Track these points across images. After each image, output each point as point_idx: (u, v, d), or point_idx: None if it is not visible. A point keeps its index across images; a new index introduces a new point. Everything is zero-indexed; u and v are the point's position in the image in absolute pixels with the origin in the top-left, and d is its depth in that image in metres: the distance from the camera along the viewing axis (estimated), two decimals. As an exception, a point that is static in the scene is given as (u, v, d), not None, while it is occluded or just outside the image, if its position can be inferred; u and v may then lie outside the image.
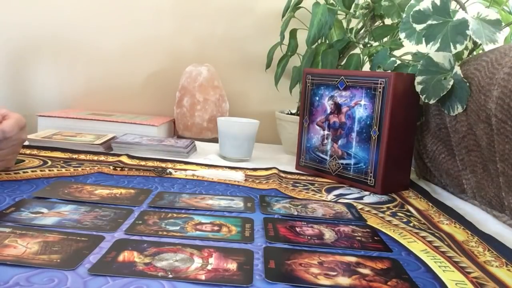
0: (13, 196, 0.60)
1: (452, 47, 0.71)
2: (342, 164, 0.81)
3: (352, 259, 0.48)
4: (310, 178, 0.85)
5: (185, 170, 0.82)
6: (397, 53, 0.91)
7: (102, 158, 0.86)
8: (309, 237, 0.53)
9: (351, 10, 0.98)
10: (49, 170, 0.74)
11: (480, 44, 0.78)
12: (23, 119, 0.66)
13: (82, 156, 0.86)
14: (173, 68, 1.22)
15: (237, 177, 0.79)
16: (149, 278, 0.40)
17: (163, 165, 0.84)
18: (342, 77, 0.81)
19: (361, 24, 1.00)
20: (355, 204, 0.69)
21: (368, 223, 0.61)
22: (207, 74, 1.12)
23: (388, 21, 0.95)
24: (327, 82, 0.83)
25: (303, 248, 0.50)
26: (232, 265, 0.44)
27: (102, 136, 0.97)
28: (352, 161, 0.80)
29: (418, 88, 0.75)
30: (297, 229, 0.56)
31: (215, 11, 1.22)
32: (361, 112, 0.78)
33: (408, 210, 0.68)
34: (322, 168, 0.85)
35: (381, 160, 0.75)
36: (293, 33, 1.10)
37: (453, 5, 0.77)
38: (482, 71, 0.67)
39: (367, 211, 0.67)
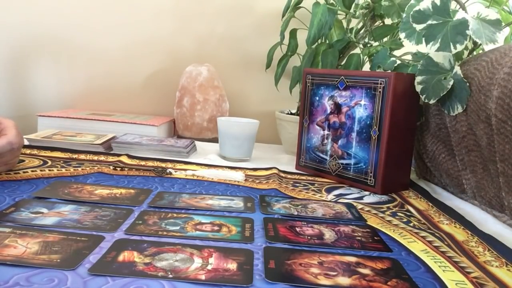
0: (13, 196, 0.60)
1: (452, 47, 0.71)
2: (342, 164, 0.81)
3: (352, 259, 0.48)
4: (310, 178, 0.85)
5: (185, 170, 0.82)
6: (397, 53, 0.91)
7: (102, 158, 0.86)
8: (309, 237, 0.53)
9: (351, 10, 0.98)
10: (49, 170, 0.74)
11: (480, 44, 0.78)
12: (16, 124, 0.67)
13: (82, 156, 0.86)
14: (173, 68, 1.22)
15: (237, 177, 0.79)
16: (149, 278, 0.40)
17: (163, 165, 0.84)
18: (342, 77, 0.81)
19: (361, 24, 1.00)
20: (355, 204, 0.69)
21: (368, 223, 0.61)
22: (207, 74, 1.12)
23: (388, 21, 0.95)
24: (327, 82, 0.83)
25: (303, 248, 0.50)
26: (232, 265, 0.44)
27: (102, 136, 0.97)
28: (352, 161, 0.80)
29: (418, 88, 0.75)
30: (297, 229, 0.56)
31: (215, 11, 1.22)
32: (361, 112, 0.78)
33: (408, 210, 0.68)
34: (322, 168, 0.85)
35: (381, 160, 0.75)
36: (293, 33, 1.10)
37: (453, 5, 0.77)
38: (482, 71, 0.67)
39: (367, 211, 0.67)
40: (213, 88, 1.12)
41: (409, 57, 0.88)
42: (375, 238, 0.55)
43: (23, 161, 0.78)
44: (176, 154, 0.92)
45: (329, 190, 0.77)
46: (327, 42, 1.01)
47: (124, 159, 0.86)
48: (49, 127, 1.04)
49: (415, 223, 0.62)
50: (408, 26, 0.78)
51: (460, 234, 0.58)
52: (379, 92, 0.75)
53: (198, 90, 1.10)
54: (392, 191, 0.78)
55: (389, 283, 0.43)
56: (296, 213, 0.62)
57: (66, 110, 1.18)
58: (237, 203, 0.65)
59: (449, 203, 0.73)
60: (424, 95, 0.75)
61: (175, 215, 0.57)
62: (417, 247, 0.53)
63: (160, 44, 1.23)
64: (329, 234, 0.55)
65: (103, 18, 1.22)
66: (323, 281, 0.42)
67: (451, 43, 0.71)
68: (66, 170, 0.75)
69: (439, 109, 0.77)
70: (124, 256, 0.44)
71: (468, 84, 0.69)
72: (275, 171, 0.86)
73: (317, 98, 0.86)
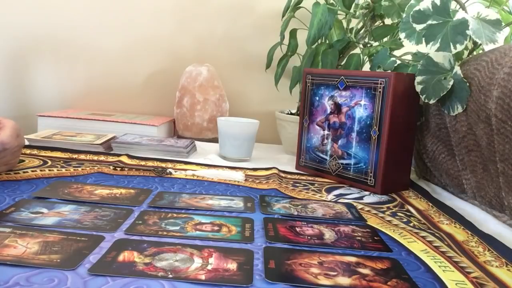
0: (13, 196, 0.60)
1: (452, 47, 0.71)
2: (342, 164, 0.81)
3: (352, 259, 0.48)
4: (310, 178, 0.85)
5: (185, 170, 0.82)
6: (397, 53, 0.91)
7: (102, 158, 0.86)
8: (309, 237, 0.53)
9: (351, 10, 0.98)
10: (49, 170, 0.74)
11: (480, 44, 0.78)
12: (17, 125, 0.67)
13: (82, 156, 0.86)
14: (173, 68, 1.22)
15: (237, 177, 0.79)
16: (149, 278, 0.40)
17: (163, 165, 0.84)
18: (342, 77, 0.81)
19: (361, 24, 1.00)
20: (355, 204, 0.69)
21: (368, 223, 0.61)
22: (207, 74, 1.12)
23: (388, 21, 0.95)
24: (327, 82, 0.83)
25: (303, 248, 0.50)
26: (232, 265, 0.44)
27: (102, 136, 0.97)
28: (352, 161, 0.80)
29: (418, 88, 0.75)
30: (297, 229, 0.56)
31: (215, 11, 1.22)
32: (361, 112, 0.78)
33: (408, 210, 0.68)
34: (322, 168, 0.85)
35: (381, 160, 0.75)
36: (293, 33, 1.10)
37: (453, 5, 0.77)
38: (482, 71, 0.67)
39: (367, 211, 0.67)
40: (213, 88, 1.12)
41: (409, 57, 0.88)
42: (375, 238, 0.55)
43: (23, 161, 0.78)
44: (176, 154, 0.92)
45: (329, 190, 0.77)
46: (327, 42, 1.01)
47: (124, 159, 0.86)
48: (49, 127, 1.04)
49: (415, 223, 0.62)
50: (408, 26, 0.78)
51: (460, 234, 0.58)
52: (379, 92, 0.75)
53: (198, 90, 1.10)
54: (392, 191, 0.78)
55: (389, 283, 0.43)
56: (296, 213, 0.62)
57: (66, 110, 1.18)
58: (237, 203, 0.65)
59: (449, 203, 0.73)
60: (424, 95, 0.75)
61: (175, 215, 0.57)
62: (417, 247, 0.53)
63: (160, 44, 1.23)
64: (329, 234, 0.55)
65: (103, 18, 1.22)
66: (323, 281, 0.42)
67: (451, 43, 0.71)
68: (66, 170, 0.75)
69: (439, 109, 0.77)
70: (124, 256, 0.44)
71: (468, 84, 0.69)
72: (275, 171, 0.86)
73: (317, 98, 0.86)
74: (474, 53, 0.80)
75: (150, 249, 0.46)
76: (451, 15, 0.72)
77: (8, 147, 0.64)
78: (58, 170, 0.75)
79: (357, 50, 0.99)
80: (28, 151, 0.86)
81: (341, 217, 0.62)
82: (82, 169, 0.76)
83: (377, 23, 0.99)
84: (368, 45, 0.97)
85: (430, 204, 0.72)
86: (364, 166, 0.78)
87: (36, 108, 1.19)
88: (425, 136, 0.83)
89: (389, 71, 0.83)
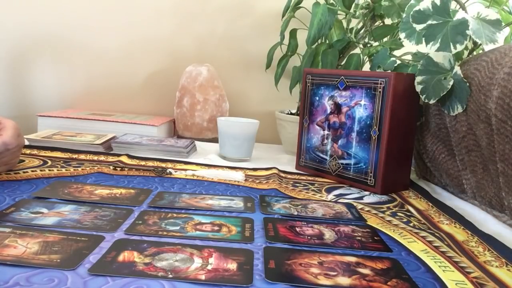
0: (13, 196, 0.60)
1: (452, 47, 0.71)
2: (342, 164, 0.81)
3: (352, 259, 0.48)
4: (310, 178, 0.85)
5: (185, 170, 0.82)
6: (397, 53, 0.91)
7: (102, 158, 0.86)
8: (309, 237, 0.53)
9: (351, 10, 0.98)
10: (49, 170, 0.74)
11: (480, 44, 0.78)
12: (17, 125, 0.67)
13: (82, 156, 0.86)
14: (173, 68, 1.22)
15: (237, 177, 0.79)
16: (149, 278, 0.40)
17: (163, 165, 0.84)
18: (342, 77, 0.81)
19: (361, 24, 1.00)
20: (355, 204, 0.69)
21: (368, 223, 0.61)
22: (207, 74, 1.12)
23: (388, 21, 0.95)
24: (327, 82, 0.83)
25: (303, 248, 0.50)
26: (232, 265, 0.44)
27: (102, 136, 0.97)
28: (352, 161, 0.80)
29: (418, 88, 0.75)
30: (297, 229, 0.56)
31: (215, 11, 1.22)
32: (361, 112, 0.78)
33: (408, 210, 0.68)
34: (322, 168, 0.85)
35: (381, 160, 0.75)
36: (293, 33, 1.10)
37: (453, 5, 0.77)
38: (482, 71, 0.67)
39: (367, 211, 0.67)
40: (213, 88, 1.12)
41: (409, 57, 0.88)
42: (375, 238, 0.55)
43: (23, 161, 0.78)
44: (176, 154, 0.92)
45: (329, 190, 0.77)
46: (327, 42, 1.01)
47: (124, 159, 0.86)
48: (49, 127, 1.04)
49: (415, 223, 0.62)
50: (408, 26, 0.78)
51: (460, 234, 0.58)
52: (379, 92, 0.75)
53: (198, 90, 1.10)
54: (392, 191, 0.78)
55: (389, 283, 0.43)
56: (296, 213, 0.62)
57: (66, 110, 1.18)
58: (237, 203, 0.65)
59: (449, 203, 0.73)
60: (424, 95, 0.75)
61: (175, 215, 0.57)
62: (417, 247, 0.53)
63: (160, 44, 1.23)
64: (329, 234, 0.55)
65: (103, 18, 1.22)
66: (323, 281, 0.42)
67: (451, 43, 0.71)
68: (66, 170, 0.75)
69: (439, 109, 0.77)
70: (124, 256, 0.44)
71: (468, 84, 0.69)
72: (275, 171, 0.86)
73: (317, 98, 0.86)
74: (474, 53, 0.80)
75: (150, 249, 0.46)
76: (451, 15, 0.72)
77: (10, 147, 0.64)
78: (58, 170, 0.75)
79: (357, 50, 0.99)
80: (28, 151, 0.86)
81: (341, 217, 0.62)
82: (82, 169, 0.76)
83: (377, 23, 0.99)
84: (368, 45, 0.97)
85: (430, 204, 0.72)
86: (364, 166, 0.78)
87: (36, 108, 1.19)
88: (425, 136, 0.83)
89: (389, 71, 0.83)
